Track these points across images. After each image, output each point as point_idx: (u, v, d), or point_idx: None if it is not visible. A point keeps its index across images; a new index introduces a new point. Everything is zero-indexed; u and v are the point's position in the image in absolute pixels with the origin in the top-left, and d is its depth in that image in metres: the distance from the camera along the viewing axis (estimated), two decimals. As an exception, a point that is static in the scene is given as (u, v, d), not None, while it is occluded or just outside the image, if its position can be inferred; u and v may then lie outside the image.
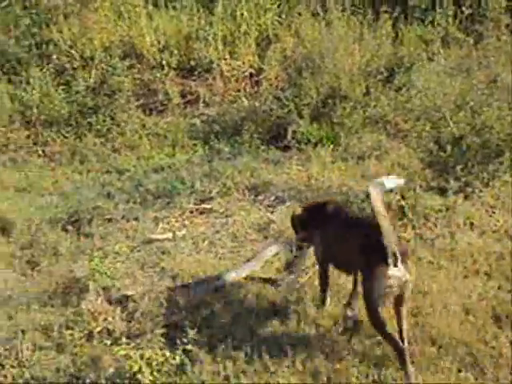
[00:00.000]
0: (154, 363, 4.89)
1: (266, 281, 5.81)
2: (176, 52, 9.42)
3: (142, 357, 4.89)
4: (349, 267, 5.23)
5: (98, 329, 5.37)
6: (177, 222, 6.94)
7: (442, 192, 6.83)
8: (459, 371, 4.85)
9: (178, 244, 6.57)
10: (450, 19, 9.38)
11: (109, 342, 5.11)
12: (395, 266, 4.69)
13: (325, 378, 4.88)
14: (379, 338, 4.90)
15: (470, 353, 4.98)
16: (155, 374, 4.87)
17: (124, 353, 4.94)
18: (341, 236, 5.12)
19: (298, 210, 5.67)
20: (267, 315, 5.44)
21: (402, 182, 5.12)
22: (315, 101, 8.31)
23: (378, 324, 4.79)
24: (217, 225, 6.83)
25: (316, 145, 7.88)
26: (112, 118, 8.73)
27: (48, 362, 5.20)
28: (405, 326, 4.84)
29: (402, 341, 4.78)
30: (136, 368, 4.86)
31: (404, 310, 4.85)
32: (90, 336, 5.36)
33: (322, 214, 5.34)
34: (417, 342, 5.04)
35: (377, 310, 4.76)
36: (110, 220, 6.97)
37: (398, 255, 4.68)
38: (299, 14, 9.65)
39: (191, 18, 9.84)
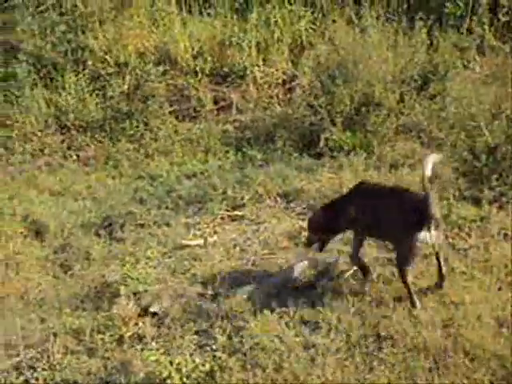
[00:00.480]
0: (184, 369, 4.94)
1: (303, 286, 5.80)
2: (209, 58, 9.45)
3: (171, 363, 4.94)
4: (385, 233, 5.61)
5: (129, 334, 5.41)
6: (208, 228, 6.96)
7: (476, 202, 6.75)
8: (491, 384, 4.79)
9: (208, 250, 6.59)
10: (486, 27, 9.24)
11: (139, 347, 5.14)
12: (429, 230, 5.23)
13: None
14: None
15: (503, 366, 4.91)
16: (185, 380, 4.92)
17: (154, 358, 4.99)
18: (380, 204, 5.53)
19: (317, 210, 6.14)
20: (297, 323, 5.42)
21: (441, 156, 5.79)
22: (348, 108, 8.26)
23: (405, 282, 5.41)
24: (248, 232, 6.84)
25: (349, 153, 7.83)
26: (145, 124, 8.78)
27: (79, 366, 5.26)
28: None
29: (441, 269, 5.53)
30: (166, 374, 4.91)
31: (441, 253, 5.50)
32: (120, 341, 5.41)
33: (354, 193, 5.88)
34: (449, 354, 4.98)
35: (406, 270, 5.36)
36: (142, 225, 7.02)
37: (435, 220, 5.23)
38: (333, 21, 9.61)
39: (225, 24, 9.86)
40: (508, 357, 4.95)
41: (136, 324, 5.51)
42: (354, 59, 8.69)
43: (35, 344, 5.46)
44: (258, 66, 9.32)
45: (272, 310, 5.55)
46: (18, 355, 5.37)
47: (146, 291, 5.96)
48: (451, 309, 5.40)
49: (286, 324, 5.41)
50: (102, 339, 5.42)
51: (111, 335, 5.43)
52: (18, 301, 6.13)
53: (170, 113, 8.99)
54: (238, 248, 6.60)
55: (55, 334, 5.41)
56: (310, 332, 5.33)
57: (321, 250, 6.03)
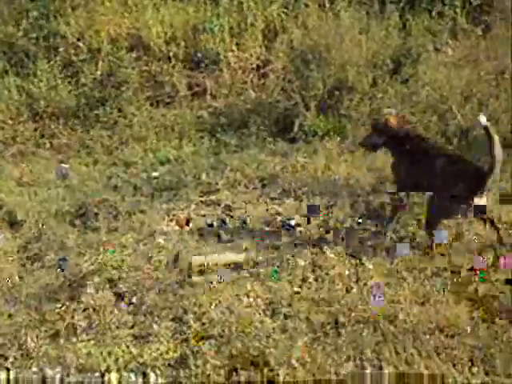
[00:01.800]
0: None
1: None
2: (183, 44, 9.39)
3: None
4: None
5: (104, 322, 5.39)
6: (183, 213, 6.95)
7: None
8: None
9: (184, 237, 6.59)
10: (458, 10, 9.29)
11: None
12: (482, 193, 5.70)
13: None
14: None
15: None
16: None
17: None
18: None
19: None
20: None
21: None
22: (322, 92, 8.29)
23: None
24: (223, 217, 6.84)
25: (323, 137, 7.88)
26: (119, 110, 8.72)
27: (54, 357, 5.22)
28: None
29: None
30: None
31: None
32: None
33: None
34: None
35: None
36: (116, 213, 6.98)
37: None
38: (306, 6, 9.59)
39: (197, 9, 9.80)
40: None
41: (111, 312, 5.49)
42: (326, 43, 8.74)
43: (6, 335, 5.39)
44: (232, 51, 9.29)
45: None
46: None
47: (120, 279, 5.94)
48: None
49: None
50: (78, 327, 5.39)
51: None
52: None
53: (144, 99, 8.93)
54: (212, 233, 6.61)
55: (29, 326, 5.34)
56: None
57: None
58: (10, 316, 5.59)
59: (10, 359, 5.16)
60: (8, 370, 5.03)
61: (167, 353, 5.00)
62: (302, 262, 5.98)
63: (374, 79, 8.38)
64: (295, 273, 5.86)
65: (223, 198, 7.11)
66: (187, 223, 6.80)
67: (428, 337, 5.16)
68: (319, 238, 6.34)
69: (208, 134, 8.40)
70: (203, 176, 7.38)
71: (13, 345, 5.22)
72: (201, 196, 7.16)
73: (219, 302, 5.50)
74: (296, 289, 5.71)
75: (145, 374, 4.91)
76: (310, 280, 5.78)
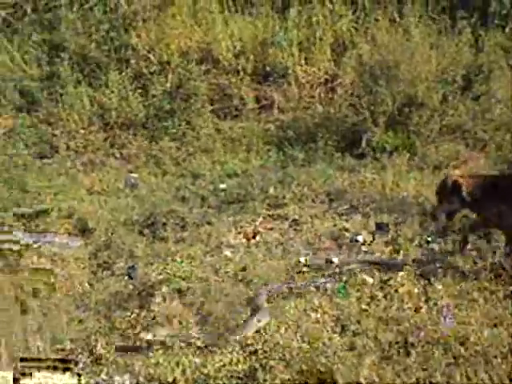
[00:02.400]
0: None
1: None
2: (251, 57, 9.47)
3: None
4: None
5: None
6: (250, 227, 6.97)
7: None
8: None
9: (251, 249, 6.60)
10: (532, 25, 9.12)
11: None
12: None
13: None
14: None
15: None
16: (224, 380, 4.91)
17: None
18: None
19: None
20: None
21: None
22: (391, 108, 8.23)
23: None
24: (290, 231, 6.84)
25: (391, 153, 7.81)
26: (187, 122, 8.84)
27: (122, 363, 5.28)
28: None
29: None
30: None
31: None
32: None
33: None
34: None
35: None
36: (184, 224, 7.05)
37: None
38: (375, 20, 9.55)
39: (266, 23, 9.86)
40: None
41: (180, 323, 5.53)
42: (396, 59, 8.65)
43: (79, 339, 5.50)
44: (300, 65, 9.32)
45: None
46: (63, 350, 5.41)
47: (188, 289, 5.98)
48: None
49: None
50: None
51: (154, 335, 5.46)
52: (63, 296, 6.20)
53: (212, 111, 9.03)
54: (280, 247, 6.60)
55: (100, 332, 5.42)
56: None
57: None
58: (80, 322, 5.70)
59: (81, 365, 5.23)
60: (79, 375, 5.10)
61: (236, 365, 4.98)
62: (370, 280, 5.91)
63: (445, 96, 8.26)
64: (363, 290, 5.79)
65: (290, 212, 7.09)
66: (254, 236, 6.82)
67: (500, 361, 5.02)
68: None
69: (275, 147, 8.43)
70: (271, 190, 7.40)
71: (84, 350, 5.30)
72: (268, 209, 7.17)
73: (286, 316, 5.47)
74: (364, 306, 5.64)
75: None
76: (379, 298, 5.69)
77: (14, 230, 6.86)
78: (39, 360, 5.23)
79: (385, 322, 5.42)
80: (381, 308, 5.57)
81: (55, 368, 5.02)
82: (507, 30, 9.20)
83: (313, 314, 5.51)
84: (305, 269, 6.12)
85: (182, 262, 6.29)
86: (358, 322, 5.38)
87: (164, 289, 5.93)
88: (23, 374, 5.16)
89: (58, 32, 10.11)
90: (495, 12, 9.45)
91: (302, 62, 9.37)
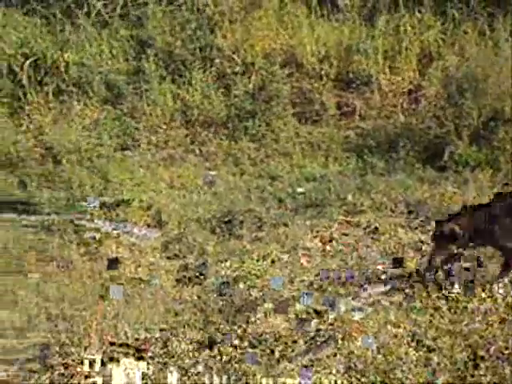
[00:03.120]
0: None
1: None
2: (335, 63, 9.45)
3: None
4: None
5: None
6: (326, 231, 6.95)
7: None
8: None
9: (326, 254, 6.57)
10: None
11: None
12: None
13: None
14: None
15: None
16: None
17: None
18: None
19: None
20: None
21: None
22: (476, 122, 8.06)
23: None
24: (367, 239, 6.78)
25: (474, 168, 7.65)
26: (267, 124, 8.87)
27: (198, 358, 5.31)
28: None
29: None
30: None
31: None
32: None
33: None
34: None
35: None
36: (260, 224, 7.08)
37: None
38: (464, 32, 9.39)
39: (353, 30, 9.82)
40: None
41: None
42: (484, 72, 8.47)
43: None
44: (384, 74, 9.23)
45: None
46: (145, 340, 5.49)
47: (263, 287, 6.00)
48: None
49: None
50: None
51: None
52: (144, 284, 6.30)
53: (293, 115, 9.04)
54: (355, 254, 6.56)
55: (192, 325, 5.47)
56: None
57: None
58: (176, 314, 5.81)
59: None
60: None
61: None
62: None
63: (533, 112, 8.05)
64: (426, 301, 5.68)
65: (367, 220, 7.04)
66: (330, 241, 6.79)
67: None
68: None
69: (354, 154, 8.37)
70: (349, 196, 7.35)
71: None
72: (345, 216, 7.13)
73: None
74: (436, 323, 5.53)
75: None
76: (443, 310, 5.59)
77: (95, 218, 7.05)
78: (127, 346, 5.33)
79: (453, 335, 5.31)
80: (446, 321, 5.45)
81: (140, 358, 5.11)
82: None
83: (389, 327, 5.43)
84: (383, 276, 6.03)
85: (258, 260, 6.30)
86: (434, 339, 5.28)
87: (240, 285, 5.94)
88: (111, 359, 5.27)
89: (146, 28, 10.30)
90: None
91: (387, 70, 9.28)
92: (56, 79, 9.54)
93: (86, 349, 5.30)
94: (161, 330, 5.55)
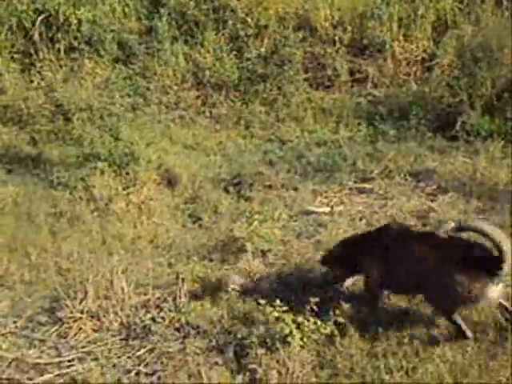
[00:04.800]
0: (306, 329, 4.97)
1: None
2: (349, 29, 9.35)
3: (294, 321, 4.98)
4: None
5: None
6: (335, 197, 6.98)
7: None
8: None
9: (334, 219, 6.61)
10: None
11: (263, 302, 5.19)
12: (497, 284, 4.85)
13: (475, 373, 4.76)
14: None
15: None
16: (305, 339, 4.96)
17: (277, 315, 5.05)
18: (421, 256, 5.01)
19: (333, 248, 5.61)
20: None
21: None
22: (490, 93, 7.99)
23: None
24: (375, 205, 6.81)
25: (486, 138, 7.61)
26: (279, 88, 8.82)
27: (203, 312, 5.40)
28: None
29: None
30: (287, 331, 4.97)
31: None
32: (244, 294, 5.53)
33: (381, 240, 5.24)
34: None
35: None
36: (269, 186, 7.12)
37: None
38: (482, 2, 9.26)
39: (368, -5, 9.70)
40: None
41: (260, 279, 5.61)
42: (499, 42, 8.36)
43: (163, 286, 5.65)
44: (398, 41, 9.13)
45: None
46: (145, 294, 5.57)
47: (270, 250, 6.05)
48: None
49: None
50: (226, 291, 5.55)
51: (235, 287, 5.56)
52: (148, 244, 6.38)
53: (305, 80, 8.98)
54: (364, 220, 6.59)
55: (183, 279, 5.54)
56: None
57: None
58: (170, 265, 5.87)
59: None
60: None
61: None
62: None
63: (548, 84, 7.97)
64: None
65: (377, 186, 7.05)
66: (338, 206, 6.81)
67: None
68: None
69: (366, 121, 8.32)
70: (359, 163, 7.35)
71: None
72: (355, 182, 7.13)
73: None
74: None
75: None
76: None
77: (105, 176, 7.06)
78: (122, 300, 5.41)
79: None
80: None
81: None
82: None
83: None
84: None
85: (265, 222, 6.32)
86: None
87: (247, 247, 5.99)
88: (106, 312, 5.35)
89: (160, -12, 10.20)
90: None
91: (401, 38, 9.17)
92: (68, 36, 9.47)
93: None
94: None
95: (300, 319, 4.99)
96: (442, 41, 9.04)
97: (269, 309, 5.14)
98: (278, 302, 5.09)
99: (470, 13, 9.33)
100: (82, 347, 5.23)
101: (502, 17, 8.94)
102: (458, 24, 9.22)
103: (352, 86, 8.99)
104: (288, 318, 4.99)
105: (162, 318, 5.35)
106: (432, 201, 6.83)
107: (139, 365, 5.08)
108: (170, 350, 5.15)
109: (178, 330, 5.30)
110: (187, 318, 5.32)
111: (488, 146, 7.47)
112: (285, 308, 5.08)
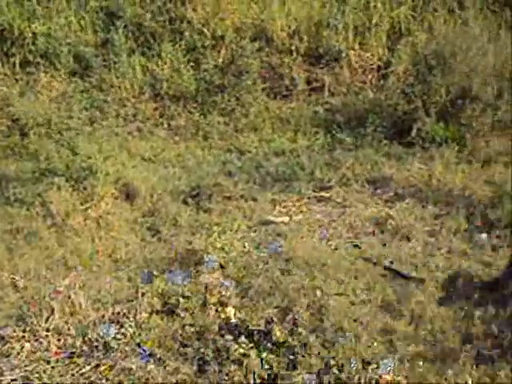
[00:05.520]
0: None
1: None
2: (305, 38, 9.41)
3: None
4: None
5: (213, 300, 5.50)
6: (294, 206, 7.00)
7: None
8: None
9: (293, 228, 6.63)
10: None
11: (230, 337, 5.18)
12: None
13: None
14: None
15: None
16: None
17: (242, 351, 5.02)
18: None
19: None
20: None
21: None
22: (443, 100, 8.11)
23: None
24: (333, 213, 6.86)
25: (440, 144, 7.72)
26: (237, 99, 8.83)
27: (162, 326, 5.37)
28: None
29: None
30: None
31: None
32: (203, 307, 5.51)
33: None
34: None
35: None
36: (229, 197, 7.11)
37: None
38: (434, 10, 9.41)
39: (323, 5, 9.77)
40: None
41: (220, 293, 5.59)
42: (452, 50, 8.49)
43: (122, 301, 5.60)
44: (354, 50, 9.23)
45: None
46: (105, 310, 5.51)
47: (230, 262, 6.05)
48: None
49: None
50: (186, 303, 5.53)
51: (195, 301, 5.54)
52: (107, 258, 6.33)
53: (262, 89, 9.00)
54: (322, 228, 6.62)
55: (143, 294, 5.51)
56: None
57: None
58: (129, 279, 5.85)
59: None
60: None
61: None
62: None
63: (500, 90, 8.11)
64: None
65: (335, 195, 7.10)
66: (297, 215, 6.84)
67: None
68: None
69: (323, 129, 8.38)
70: (317, 171, 7.39)
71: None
72: (314, 191, 7.18)
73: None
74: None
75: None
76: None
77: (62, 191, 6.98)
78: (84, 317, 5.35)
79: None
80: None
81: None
82: None
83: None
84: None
85: (224, 234, 6.32)
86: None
87: (206, 258, 5.98)
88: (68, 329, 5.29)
89: (115, 0, 10.14)
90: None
91: (356, 46, 9.27)
92: (23, 50, 9.39)
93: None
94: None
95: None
96: (397, 49, 9.17)
97: (234, 346, 5.08)
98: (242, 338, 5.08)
99: (423, 21, 9.48)
100: (25, 366, 5.12)
101: (454, 24, 9.08)
102: (412, 32, 9.36)
103: (309, 95, 9.05)
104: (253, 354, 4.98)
105: (123, 334, 5.29)
106: (389, 207, 6.90)
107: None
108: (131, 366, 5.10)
109: (138, 345, 5.25)
110: (147, 333, 5.28)
111: (443, 152, 7.58)
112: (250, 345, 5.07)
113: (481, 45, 8.58)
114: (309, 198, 7.11)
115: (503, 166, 7.28)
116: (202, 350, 5.11)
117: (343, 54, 9.19)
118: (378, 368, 4.79)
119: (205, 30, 9.68)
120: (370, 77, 9.14)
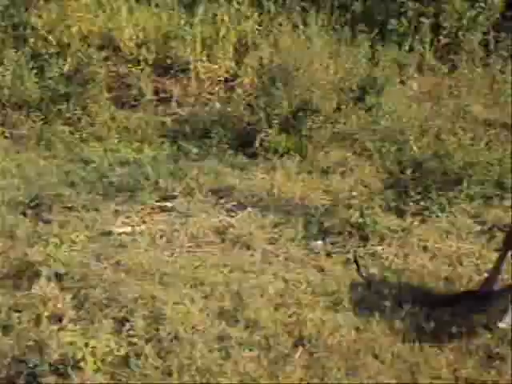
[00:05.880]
0: (99, 352, 4.93)
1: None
2: (153, 49, 9.42)
3: (86, 345, 4.93)
4: None
5: (47, 314, 5.37)
6: (137, 217, 6.98)
7: (401, 214, 6.99)
8: None
9: (135, 238, 6.61)
10: (427, 46, 9.53)
11: (56, 328, 5.09)
12: None
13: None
14: None
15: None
16: (99, 363, 4.91)
17: (69, 340, 4.97)
18: None
19: None
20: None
21: None
22: (286, 111, 8.38)
23: None
24: (176, 223, 6.89)
25: (283, 155, 7.97)
26: (83, 108, 8.69)
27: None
28: None
29: None
30: (80, 355, 4.90)
31: None
32: (37, 320, 5.36)
33: None
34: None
35: None
36: (70, 208, 6.98)
37: None
38: (279, 25, 9.73)
39: (171, 16, 9.85)
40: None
41: (55, 305, 5.47)
42: (295, 64, 8.81)
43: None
44: (202, 61, 9.34)
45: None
46: None
47: (67, 274, 5.93)
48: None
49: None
50: (19, 318, 5.36)
51: (28, 315, 5.38)
52: None
53: (109, 99, 8.91)
54: (164, 238, 6.65)
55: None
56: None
57: None
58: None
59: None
60: None
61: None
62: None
63: (339, 104, 8.50)
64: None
65: (179, 204, 7.14)
66: (139, 226, 6.82)
67: None
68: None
69: (170, 140, 8.42)
70: (161, 181, 7.40)
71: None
72: (157, 201, 7.18)
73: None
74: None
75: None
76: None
77: None
78: None
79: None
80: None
81: None
82: (403, 47, 9.54)
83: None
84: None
85: (63, 245, 6.19)
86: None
87: (44, 271, 5.83)
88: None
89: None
90: (393, 29, 9.80)
91: (204, 58, 9.40)
92: None
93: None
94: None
95: (93, 342, 4.93)
96: (244, 61, 9.39)
97: (62, 333, 5.03)
98: (70, 326, 4.99)
99: (269, 35, 9.76)
100: None
101: (298, 40, 9.42)
102: (258, 45, 9.61)
103: (157, 106, 9.07)
104: (80, 342, 4.92)
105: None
106: (231, 217, 7.04)
107: None
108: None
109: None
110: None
111: (285, 162, 7.83)
112: (80, 332, 4.99)
113: (322, 60, 8.98)
114: (152, 208, 7.10)
115: (340, 176, 7.61)
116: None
117: (191, 66, 9.29)
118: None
119: (50, 37, 9.47)
120: (217, 88, 9.29)
